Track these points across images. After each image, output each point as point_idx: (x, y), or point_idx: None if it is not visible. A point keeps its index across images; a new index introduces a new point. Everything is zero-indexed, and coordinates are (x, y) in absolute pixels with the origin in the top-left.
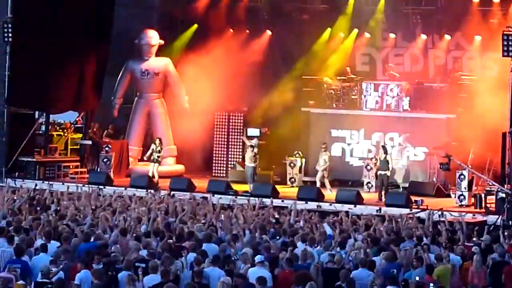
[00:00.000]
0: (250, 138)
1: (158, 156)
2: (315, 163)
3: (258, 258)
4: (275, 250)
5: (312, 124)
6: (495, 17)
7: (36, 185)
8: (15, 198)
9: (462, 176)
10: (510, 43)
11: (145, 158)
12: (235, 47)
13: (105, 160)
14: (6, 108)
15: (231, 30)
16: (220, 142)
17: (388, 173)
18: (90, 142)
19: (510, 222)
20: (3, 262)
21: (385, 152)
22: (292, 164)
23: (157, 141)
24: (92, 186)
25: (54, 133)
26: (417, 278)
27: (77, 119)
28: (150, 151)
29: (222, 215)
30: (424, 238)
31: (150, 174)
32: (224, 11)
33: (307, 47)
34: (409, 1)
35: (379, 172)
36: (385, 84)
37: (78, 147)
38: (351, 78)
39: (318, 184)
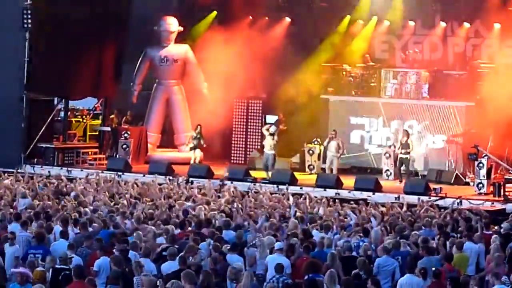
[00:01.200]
0: (269, 125)
1: (196, 143)
2: (334, 152)
3: (277, 245)
4: (295, 239)
5: (331, 111)
6: None
7: (49, 172)
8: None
9: (481, 164)
10: None
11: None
12: (254, 34)
13: (124, 146)
14: (25, 94)
15: (250, 17)
16: (239, 129)
17: (409, 156)
18: (109, 129)
19: None
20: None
21: (407, 135)
22: (311, 152)
23: (198, 128)
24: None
25: (73, 119)
26: (433, 269)
27: (96, 105)
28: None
29: (241, 202)
30: (443, 226)
31: (192, 162)
32: None
33: (326, 34)
34: None
35: (400, 156)
36: (404, 71)
37: (96, 133)
38: (370, 66)
39: (328, 171)
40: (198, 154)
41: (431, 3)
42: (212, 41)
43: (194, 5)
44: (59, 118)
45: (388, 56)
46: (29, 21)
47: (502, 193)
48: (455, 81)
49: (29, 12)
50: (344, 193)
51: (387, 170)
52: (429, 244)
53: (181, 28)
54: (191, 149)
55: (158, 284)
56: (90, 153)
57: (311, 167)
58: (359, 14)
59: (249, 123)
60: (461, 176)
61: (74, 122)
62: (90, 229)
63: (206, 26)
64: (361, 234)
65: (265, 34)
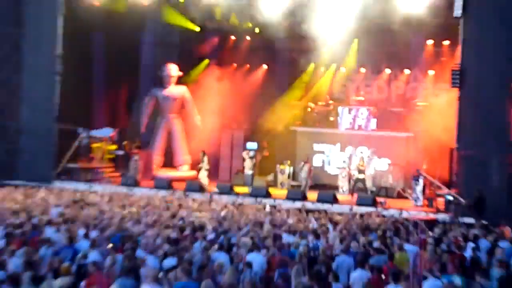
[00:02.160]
0: (248, 151)
1: (201, 166)
2: (304, 175)
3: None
4: (269, 241)
5: (298, 140)
6: (445, 55)
7: (75, 190)
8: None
9: (418, 183)
10: (457, 77)
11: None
12: (238, 78)
13: (134, 166)
14: (56, 125)
15: (235, 65)
16: (225, 153)
17: (364, 176)
18: (122, 152)
19: (456, 219)
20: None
21: (362, 161)
22: (282, 172)
23: (201, 154)
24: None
25: (94, 145)
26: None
27: (111, 134)
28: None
29: (225, 211)
30: (387, 231)
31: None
32: (230, 49)
33: (295, 78)
34: (376, 41)
35: (356, 176)
36: (357, 108)
37: (113, 156)
38: (329, 104)
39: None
40: (201, 177)
41: (378, 53)
42: (205, 83)
43: (191, 55)
44: (83, 144)
45: (344, 96)
46: (60, 66)
47: (434, 205)
48: (397, 116)
49: (60, 59)
50: (308, 205)
51: (342, 186)
52: (375, 246)
53: (181, 73)
54: (199, 170)
55: (160, 276)
56: (107, 172)
57: (283, 184)
58: (322, 62)
59: (233, 149)
60: (402, 191)
61: (94, 147)
62: (107, 232)
63: (200, 71)
64: (317, 237)
65: (246, 78)
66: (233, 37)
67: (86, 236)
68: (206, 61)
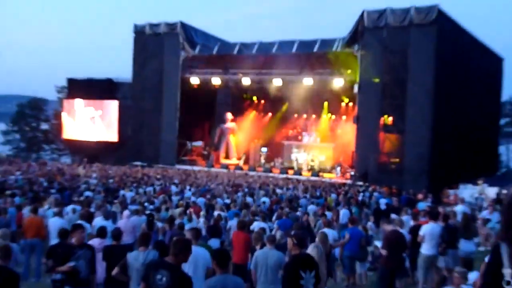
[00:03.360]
0: (262, 152)
1: (243, 158)
2: (288, 163)
3: (263, 194)
4: (270, 192)
5: (284, 148)
6: (350, 109)
7: (185, 169)
8: (178, 172)
9: (338, 167)
10: (355, 120)
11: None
12: (258, 119)
13: (211, 158)
14: (177, 139)
15: (256, 113)
16: (252, 153)
17: (314, 163)
18: (206, 152)
19: (354, 182)
20: (175, 196)
21: (313, 157)
22: (278, 162)
23: (243, 155)
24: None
25: (194, 149)
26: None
27: (201, 144)
28: (243, 157)
29: (252, 179)
30: (324, 188)
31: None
32: (254, 106)
33: (284, 121)
34: (319, 102)
35: (310, 164)
36: (311, 133)
37: (202, 154)
38: (299, 131)
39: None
40: (242, 161)
41: (320, 109)
42: (243, 122)
43: (238, 109)
44: (189, 148)
45: (306, 128)
46: (179, 113)
47: (345, 176)
48: (330, 137)
49: (180, 114)
50: (289, 176)
51: (304, 168)
52: (318, 194)
53: (232, 117)
54: (240, 159)
55: (223, 207)
56: (199, 161)
57: (278, 167)
58: (297, 112)
59: (256, 151)
60: (330, 170)
61: (194, 149)
62: (199, 187)
63: (248, 117)
64: (293, 189)
65: (262, 119)
66: (255, 100)
67: (189, 189)
68: (253, 112)
